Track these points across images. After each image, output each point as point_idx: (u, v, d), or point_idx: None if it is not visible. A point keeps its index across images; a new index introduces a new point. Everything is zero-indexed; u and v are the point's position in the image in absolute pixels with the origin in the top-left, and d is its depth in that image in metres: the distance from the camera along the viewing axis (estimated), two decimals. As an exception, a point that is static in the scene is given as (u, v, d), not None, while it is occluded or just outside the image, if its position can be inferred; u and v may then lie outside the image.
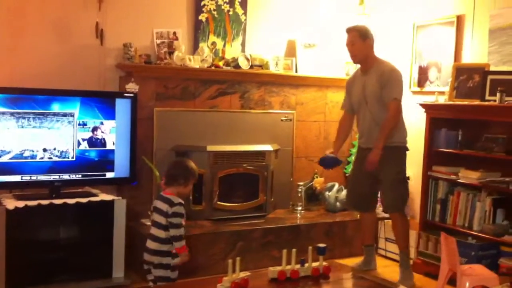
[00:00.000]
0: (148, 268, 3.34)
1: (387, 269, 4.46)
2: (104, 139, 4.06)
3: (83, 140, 3.99)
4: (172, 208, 3.31)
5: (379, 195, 4.51)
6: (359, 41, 4.12)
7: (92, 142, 4.02)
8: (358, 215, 4.71)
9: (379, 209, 4.73)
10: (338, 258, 4.45)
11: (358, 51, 4.15)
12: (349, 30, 4.19)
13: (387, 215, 4.53)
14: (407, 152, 4.19)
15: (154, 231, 3.35)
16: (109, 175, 4.11)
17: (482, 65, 4.29)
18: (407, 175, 4.24)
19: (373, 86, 4.08)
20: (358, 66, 4.37)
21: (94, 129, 4.02)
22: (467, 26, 4.53)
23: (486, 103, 4.08)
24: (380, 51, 4.65)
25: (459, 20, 4.57)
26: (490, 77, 4.15)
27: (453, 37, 4.59)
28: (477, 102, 4.15)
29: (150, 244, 3.34)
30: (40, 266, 3.77)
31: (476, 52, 4.45)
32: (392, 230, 4.33)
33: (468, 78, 4.35)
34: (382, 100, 4.05)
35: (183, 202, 3.38)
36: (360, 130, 4.33)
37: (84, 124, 3.99)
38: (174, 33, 4.64)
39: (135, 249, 3.98)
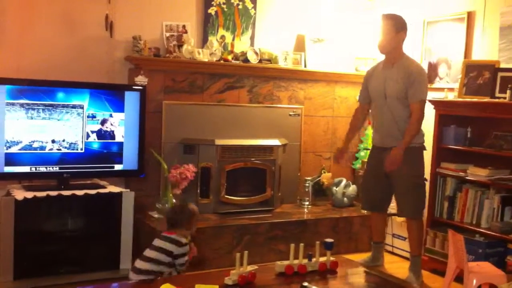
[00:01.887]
0: None
1: (394, 265, 4.46)
2: (113, 131, 4.07)
3: (92, 132, 4.00)
4: (180, 248, 3.20)
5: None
6: (393, 31, 3.93)
7: (101, 134, 4.03)
8: (366, 212, 4.70)
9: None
10: (344, 254, 4.45)
11: (388, 41, 3.95)
12: (385, 18, 4.00)
13: (394, 211, 4.51)
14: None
15: (143, 265, 3.16)
16: (118, 167, 4.12)
17: (492, 62, 4.27)
18: (424, 177, 4.11)
19: (397, 84, 3.92)
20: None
21: (103, 121, 4.03)
22: (477, 23, 4.50)
23: (496, 100, 4.06)
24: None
25: (470, 16, 4.54)
26: (500, 74, 4.14)
27: (464, 34, 4.56)
28: (486, 99, 4.13)
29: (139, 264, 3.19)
30: (48, 256, 3.79)
31: (487, 49, 4.42)
32: (407, 232, 4.18)
33: (478, 75, 4.33)
34: (405, 99, 3.91)
35: (187, 242, 3.29)
36: (375, 126, 4.18)
37: (94, 117, 4.00)
38: (184, 26, 4.64)
39: (142, 241, 3.99)
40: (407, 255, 4.53)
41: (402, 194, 4.05)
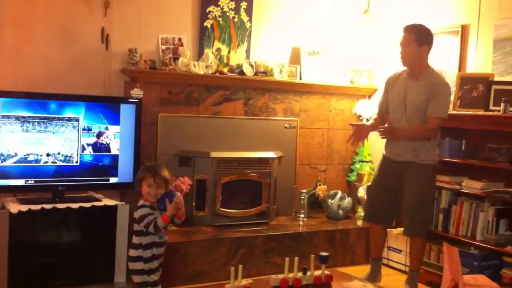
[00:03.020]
0: None
1: (389, 278, 4.45)
2: (108, 144, 4.07)
3: (88, 145, 4.00)
4: (137, 211, 3.24)
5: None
6: (414, 45, 3.77)
7: (96, 147, 4.03)
8: (361, 224, 4.69)
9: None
10: (340, 266, 4.45)
11: (410, 55, 3.80)
12: (407, 30, 3.84)
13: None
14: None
15: (134, 239, 3.27)
16: (113, 180, 4.12)
17: (486, 75, 4.30)
18: (434, 196, 4.05)
19: (419, 96, 3.78)
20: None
21: (99, 134, 4.03)
22: (471, 36, 4.53)
23: (490, 113, 4.08)
24: (385, 59, 4.67)
25: (464, 29, 4.57)
26: (494, 87, 4.16)
27: (458, 47, 4.60)
28: (481, 112, 4.16)
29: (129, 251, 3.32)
30: (42, 270, 3.77)
31: (481, 62, 4.45)
32: (409, 248, 4.12)
33: (472, 87, 4.36)
34: (424, 112, 3.77)
35: (146, 203, 3.25)
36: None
37: (89, 129, 4.00)
38: (179, 39, 4.65)
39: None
40: (403, 267, 4.53)
41: (406, 210, 3.94)
